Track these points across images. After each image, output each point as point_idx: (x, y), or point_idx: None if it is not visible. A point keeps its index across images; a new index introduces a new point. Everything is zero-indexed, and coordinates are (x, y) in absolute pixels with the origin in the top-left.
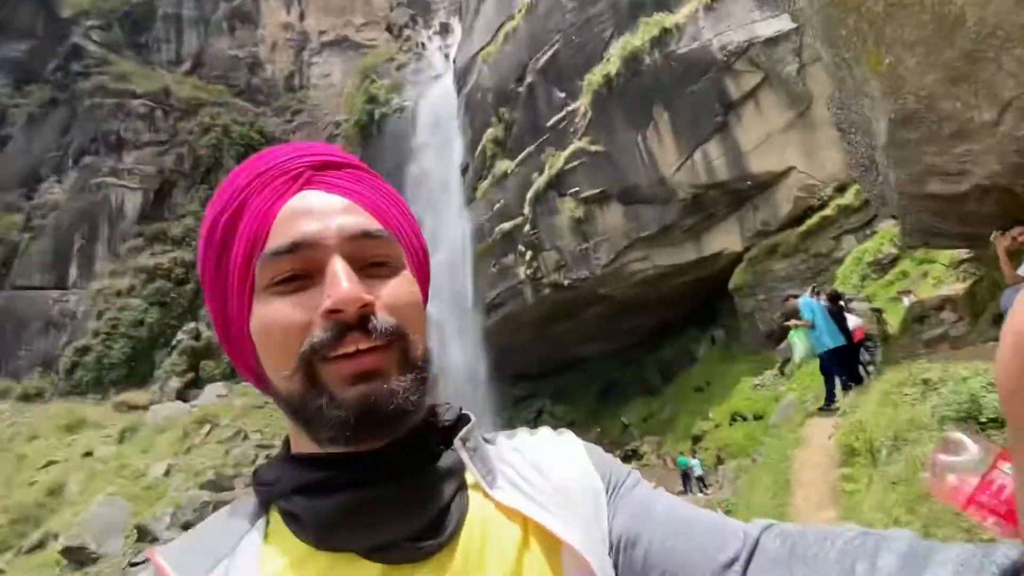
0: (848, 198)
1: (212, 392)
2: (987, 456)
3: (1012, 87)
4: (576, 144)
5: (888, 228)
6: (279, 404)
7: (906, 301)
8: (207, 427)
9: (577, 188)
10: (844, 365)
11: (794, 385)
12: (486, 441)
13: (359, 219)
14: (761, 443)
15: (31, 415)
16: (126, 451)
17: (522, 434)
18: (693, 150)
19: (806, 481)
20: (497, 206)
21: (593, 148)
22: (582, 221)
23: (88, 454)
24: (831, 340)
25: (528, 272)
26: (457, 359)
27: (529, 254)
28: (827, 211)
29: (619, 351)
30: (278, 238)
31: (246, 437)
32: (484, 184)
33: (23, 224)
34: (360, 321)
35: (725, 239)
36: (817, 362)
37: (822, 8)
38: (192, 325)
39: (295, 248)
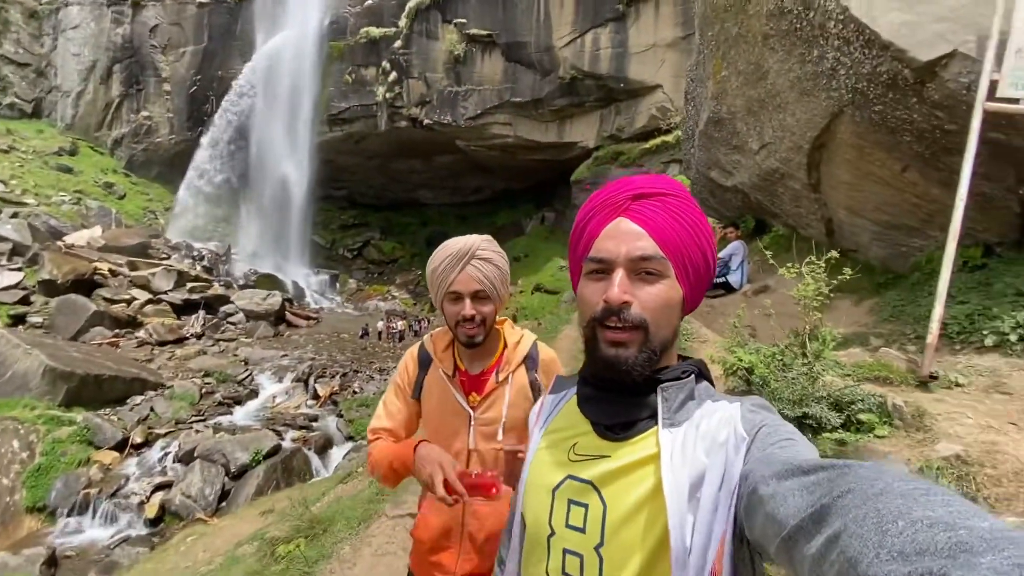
0: None
1: None
2: None
3: (769, 135)
4: None
5: None
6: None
7: None
8: None
9: (465, 20)
10: None
11: None
12: (704, 398)
13: (642, 245)
14: (551, 313)
15: None
16: None
17: (718, 403)
18: (587, 30)
19: (559, 347)
20: (369, 2)
21: None
22: (460, 61)
23: None
24: None
25: (388, 96)
26: (278, 166)
27: (394, 75)
28: (668, 137)
29: (457, 205)
30: (595, 250)
31: None
32: None
33: None
34: (619, 310)
35: (584, 131)
36: None
37: (705, 1)
38: None
39: (599, 260)
